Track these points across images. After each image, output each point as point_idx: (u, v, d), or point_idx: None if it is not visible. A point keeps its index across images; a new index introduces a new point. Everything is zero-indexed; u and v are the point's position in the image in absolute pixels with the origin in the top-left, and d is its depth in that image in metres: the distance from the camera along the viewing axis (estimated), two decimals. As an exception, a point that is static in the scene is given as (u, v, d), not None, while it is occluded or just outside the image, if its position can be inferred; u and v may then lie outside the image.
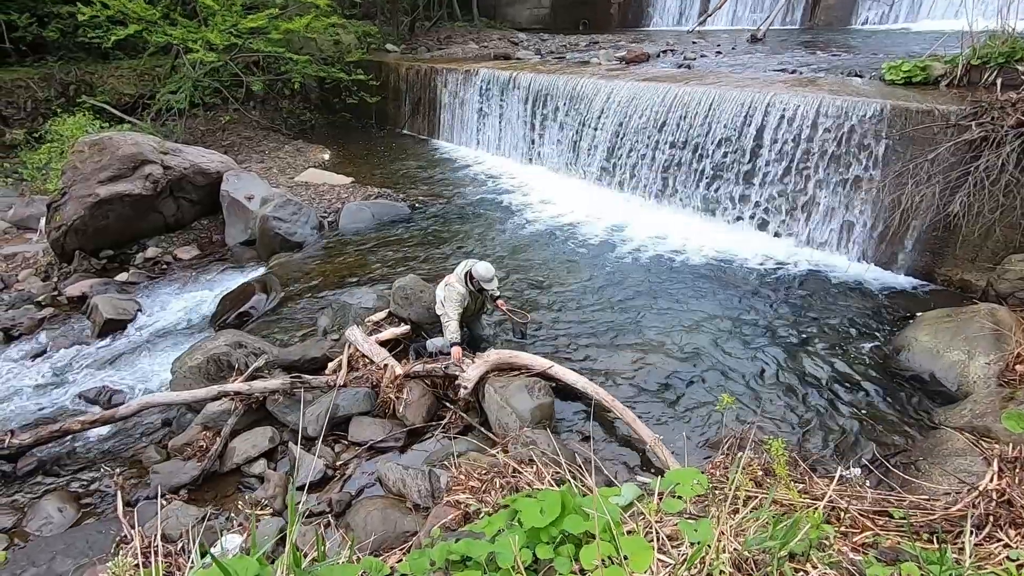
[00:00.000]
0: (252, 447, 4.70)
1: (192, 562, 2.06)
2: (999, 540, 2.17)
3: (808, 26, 16.09)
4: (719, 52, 12.21)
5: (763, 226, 7.88)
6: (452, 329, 5.15)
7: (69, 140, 10.45)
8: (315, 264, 7.94)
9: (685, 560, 1.69)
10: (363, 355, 5.36)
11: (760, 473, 2.83)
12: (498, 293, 5.58)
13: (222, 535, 3.75)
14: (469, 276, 5.22)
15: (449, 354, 5.18)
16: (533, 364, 5.02)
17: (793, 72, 9.21)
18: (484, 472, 3.70)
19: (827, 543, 1.92)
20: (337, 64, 14.31)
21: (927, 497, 2.59)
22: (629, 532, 1.79)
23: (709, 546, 1.71)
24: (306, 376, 5.12)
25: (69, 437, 4.99)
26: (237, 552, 3.49)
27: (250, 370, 5.25)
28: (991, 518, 2.30)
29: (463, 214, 9.47)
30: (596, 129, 9.80)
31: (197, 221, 9.37)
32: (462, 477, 3.75)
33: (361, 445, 4.72)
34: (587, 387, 4.81)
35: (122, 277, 8.02)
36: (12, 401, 5.72)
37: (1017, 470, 2.62)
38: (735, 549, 1.75)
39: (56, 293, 7.71)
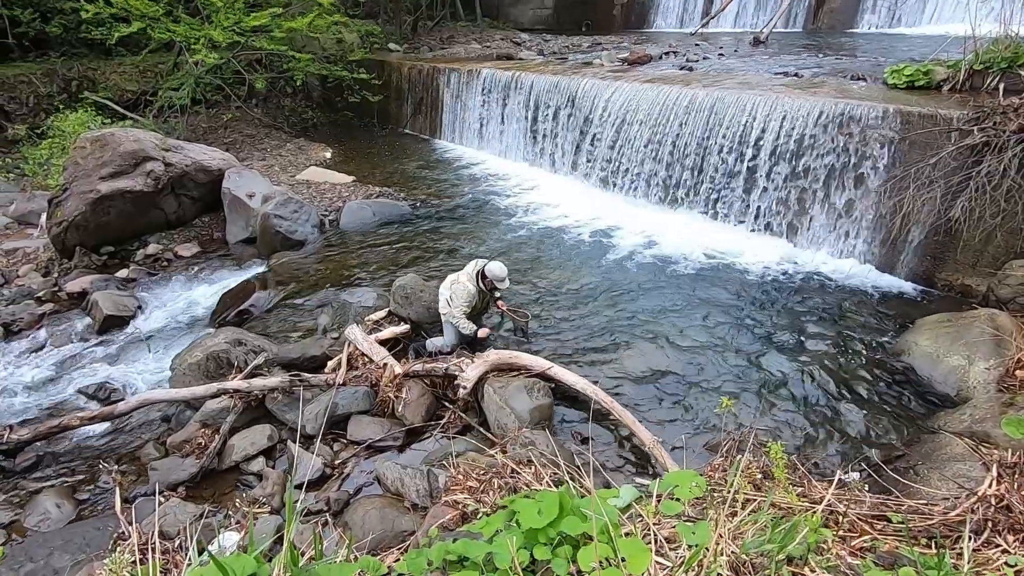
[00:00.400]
0: (251, 445, 4.70)
1: (189, 559, 2.06)
2: (997, 546, 2.17)
3: (811, 29, 16.09)
4: (722, 54, 12.19)
5: (764, 229, 7.87)
6: (464, 324, 5.19)
7: (71, 136, 10.43)
8: (315, 262, 7.94)
9: (683, 563, 1.69)
10: (363, 354, 5.37)
11: (759, 476, 2.83)
12: (500, 293, 5.59)
13: (220, 532, 3.75)
14: (481, 275, 5.23)
15: (449, 353, 5.19)
16: (533, 365, 5.02)
17: (795, 75, 9.20)
18: (482, 472, 3.69)
19: (825, 547, 1.91)
20: (340, 63, 14.31)
21: (926, 502, 2.59)
22: (627, 534, 1.79)
23: (707, 549, 1.71)
24: (305, 374, 5.12)
25: (68, 433, 4.99)
26: (234, 550, 3.49)
27: (249, 368, 5.25)
28: (990, 523, 2.30)
29: (464, 214, 9.47)
30: (598, 130, 9.80)
31: (198, 218, 9.36)
32: (460, 477, 3.74)
33: (360, 444, 4.72)
34: (586, 388, 4.81)
35: (122, 274, 8.02)
36: (11, 396, 5.72)
37: (1016, 476, 2.61)
38: (733, 552, 1.75)
39: (56, 289, 7.71)
